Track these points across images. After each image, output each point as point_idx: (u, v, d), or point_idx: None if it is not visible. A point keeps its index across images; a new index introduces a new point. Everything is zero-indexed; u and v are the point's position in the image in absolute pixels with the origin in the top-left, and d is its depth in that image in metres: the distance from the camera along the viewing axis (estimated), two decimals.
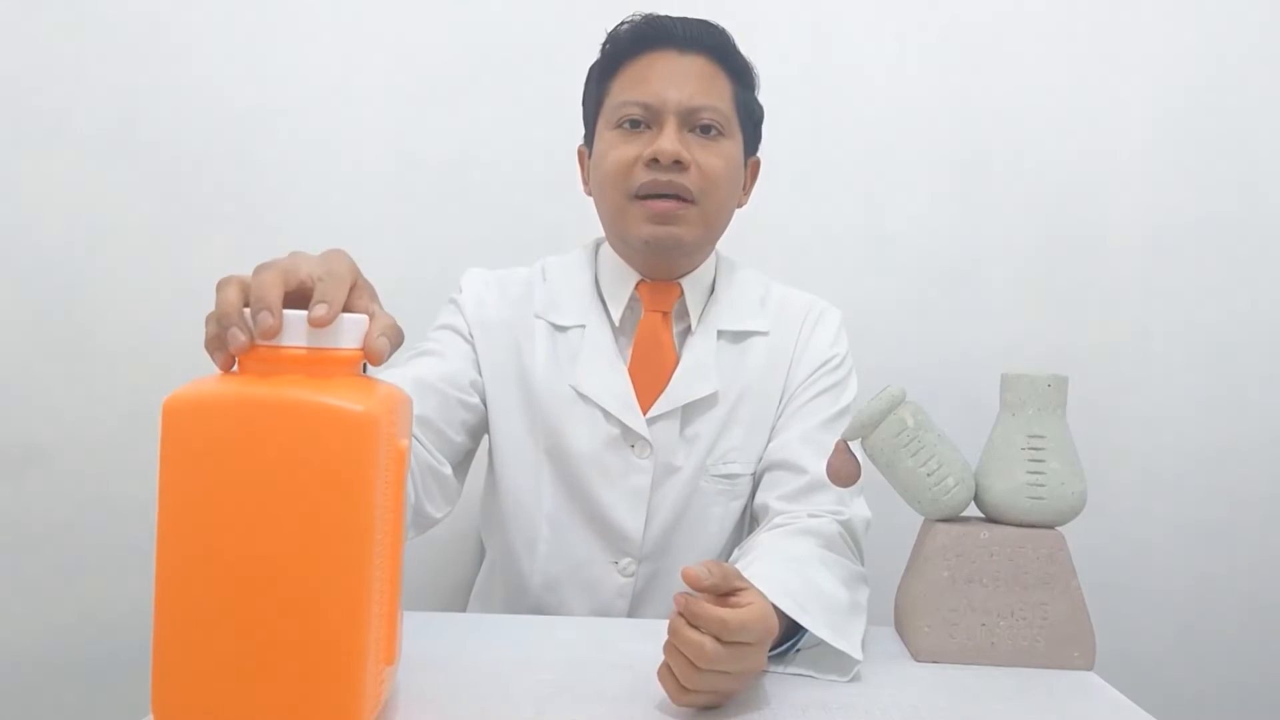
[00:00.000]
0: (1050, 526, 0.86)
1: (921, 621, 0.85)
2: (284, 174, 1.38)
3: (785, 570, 0.81)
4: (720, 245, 1.09)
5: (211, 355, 0.58)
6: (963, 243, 1.46)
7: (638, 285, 1.04)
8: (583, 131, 1.09)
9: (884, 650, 0.87)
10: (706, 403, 1.02)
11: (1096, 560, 1.16)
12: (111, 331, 1.34)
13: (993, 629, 0.84)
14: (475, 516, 1.19)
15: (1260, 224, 1.46)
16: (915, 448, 0.84)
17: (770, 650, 0.74)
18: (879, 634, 0.90)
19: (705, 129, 0.99)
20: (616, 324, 1.04)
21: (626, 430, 1.00)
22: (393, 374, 0.94)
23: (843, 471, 0.86)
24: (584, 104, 1.09)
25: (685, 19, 1.01)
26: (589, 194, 1.07)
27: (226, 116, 1.36)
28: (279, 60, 1.38)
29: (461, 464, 1.02)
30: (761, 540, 0.92)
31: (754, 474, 1.05)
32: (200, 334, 0.58)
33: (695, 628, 0.65)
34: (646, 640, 0.77)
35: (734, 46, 1.03)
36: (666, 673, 0.68)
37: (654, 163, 0.97)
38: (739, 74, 1.04)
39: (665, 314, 1.04)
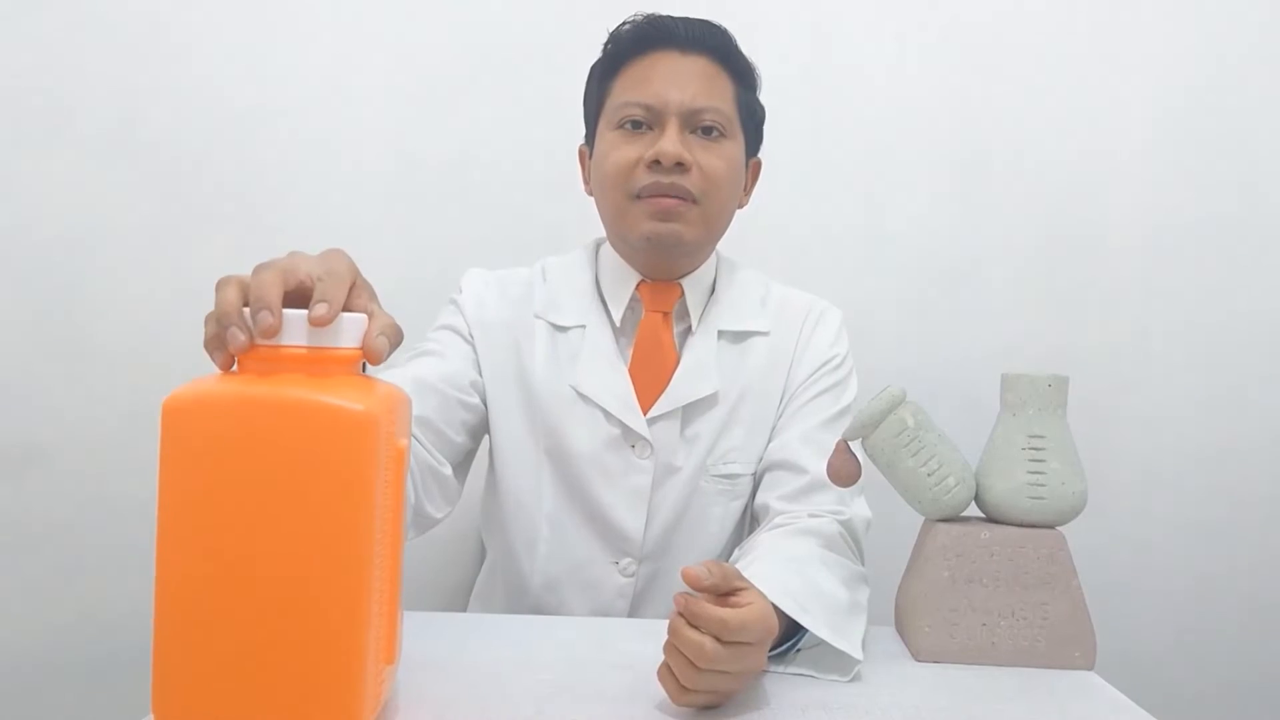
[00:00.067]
0: (1050, 526, 0.86)
1: (922, 621, 0.85)
2: (284, 174, 1.38)
3: (785, 570, 0.81)
4: (721, 245, 1.09)
5: (211, 355, 0.58)
6: (963, 243, 1.46)
7: (638, 285, 1.04)
8: (583, 131, 1.09)
9: (884, 650, 0.87)
10: (707, 403, 1.02)
11: (1097, 560, 1.16)
12: (111, 331, 1.34)
13: (993, 629, 0.84)
14: (476, 517, 1.19)
15: (1260, 224, 1.46)
16: (916, 448, 0.84)
17: (771, 650, 0.74)
18: (879, 634, 0.90)
19: (707, 130, 0.99)
20: (617, 324, 1.04)
21: (627, 430, 1.00)
22: (392, 374, 0.94)
23: (843, 471, 0.85)
24: (585, 104, 1.08)
25: (687, 19, 1.01)
26: (590, 194, 1.07)
27: (226, 116, 1.36)
28: (279, 60, 1.38)
29: (462, 464, 1.02)
30: (762, 540, 0.92)
31: (754, 474, 1.05)
32: (200, 333, 0.58)
33: (695, 628, 0.65)
34: (647, 640, 0.76)
35: (736, 47, 1.03)
36: (666, 673, 0.68)
37: (655, 164, 0.97)
38: (741, 75, 1.03)
39: (666, 314, 1.04)
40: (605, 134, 1.02)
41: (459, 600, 1.27)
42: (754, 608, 0.68)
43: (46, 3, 1.31)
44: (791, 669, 0.78)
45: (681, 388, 1.01)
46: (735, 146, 1.02)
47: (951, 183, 1.46)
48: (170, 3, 1.35)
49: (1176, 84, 1.45)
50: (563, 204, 1.32)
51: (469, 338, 1.04)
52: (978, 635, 0.84)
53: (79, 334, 1.33)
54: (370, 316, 0.60)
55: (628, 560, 1.02)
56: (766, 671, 0.77)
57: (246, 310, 0.57)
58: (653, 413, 1.01)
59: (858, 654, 0.77)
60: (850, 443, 0.86)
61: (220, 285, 0.58)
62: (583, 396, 1.01)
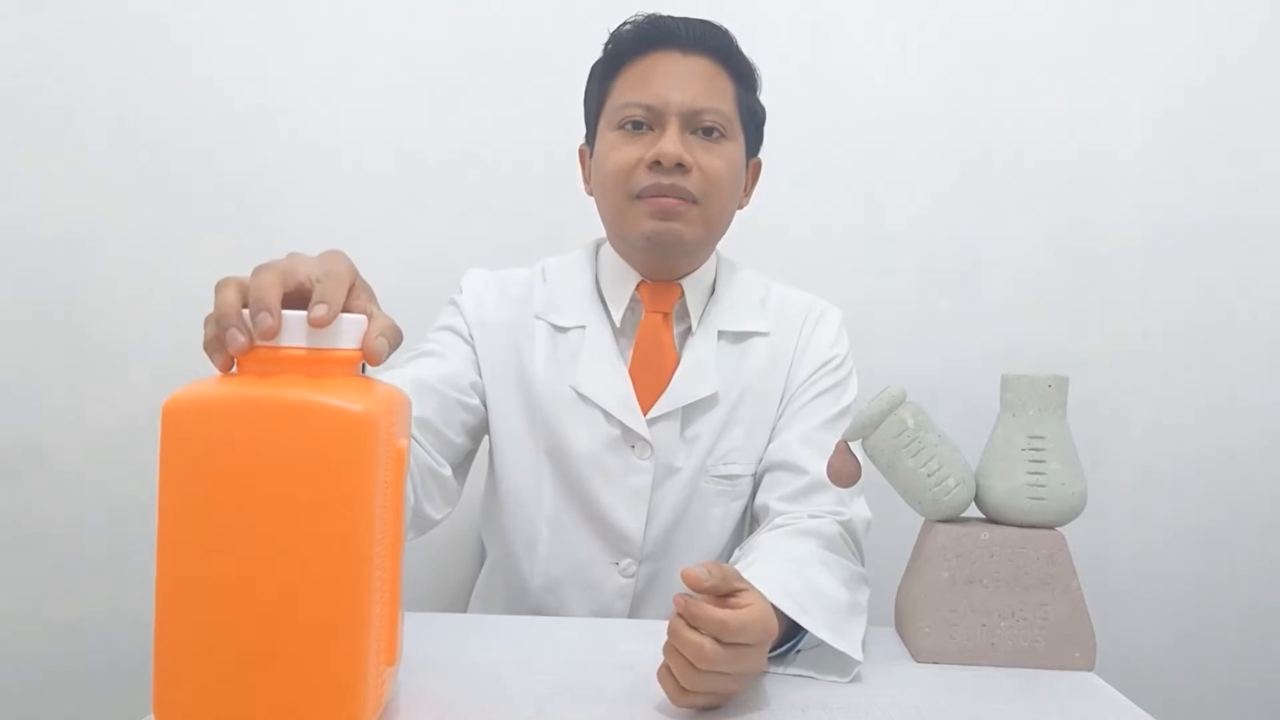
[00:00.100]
0: (1050, 527, 0.86)
1: (922, 622, 0.85)
2: (284, 174, 1.38)
3: (785, 571, 0.81)
4: (721, 246, 1.09)
5: (210, 356, 0.58)
6: (963, 243, 1.46)
7: (638, 286, 1.04)
8: (583, 131, 1.09)
9: (884, 651, 0.87)
10: (707, 403, 1.02)
11: (1097, 562, 1.16)
12: (111, 332, 1.34)
13: (993, 629, 0.84)
14: (476, 517, 1.19)
15: (1260, 224, 1.45)
16: (916, 448, 0.84)
17: (771, 651, 0.74)
18: (879, 634, 0.90)
19: (707, 131, 0.99)
20: (617, 325, 1.04)
21: (627, 431, 1.00)
22: (392, 375, 0.94)
23: (843, 472, 0.85)
24: (585, 103, 1.08)
25: (689, 20, 1.01)
26: (590, 193, 1.07)
27: (226, 116, 1.36)
28: (279, 60, 1.38)
29: (461, 465, 1.02)
30: (762, 541, 0.92)
31: (754, 474, 1.05)
32: (200, 333, 0.58)
33: (695, 629, 0.65)
34: (647, 641, 0.76)
35: (737, 48, 1.03)
36: (666, 674, 0.68)
37: (656, 165, 0.97)
38: (742, 75, 1.03)
39: (666, 315, 1.04)
40: (606, 134, 1.02)
41: (459, 601, 1.27)
42: (754, 609, 0.67)
43: (46, 3, 1.31)
44: (791, 670, 0.78)
45: (681, 388, 1.01)
46: (736, 147, 1.02)
47: (951, 183, 1.46)
48: (170, 3, 1.35)
49: (1176, 84, 1.45)
50: (563, 204, 1.32)
51: (469, 338, 1.04)
52: (978, 636, 0.84)
53: (79, 334, 1.33)
54: (369, 317, 0.60)
55: (628, 561, 1.02)
56: (766, 672, 0.77)
57: (246, 312, 0.57)
58: (653, 413, 1.01)
59: (858, 655, 0.77)
60: (850, 443, 0.86)
61: (219, 287, 0.58)
62: (583, 397, 1.01)
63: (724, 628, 0.65)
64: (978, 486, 0.87)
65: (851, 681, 0.77)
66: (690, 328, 1.05)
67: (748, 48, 1.04)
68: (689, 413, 1.02)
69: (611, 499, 1.01)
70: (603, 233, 1.08)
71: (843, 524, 0.96)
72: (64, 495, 1.33)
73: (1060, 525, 0.86)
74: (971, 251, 1.46)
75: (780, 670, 0.78)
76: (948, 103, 1.45)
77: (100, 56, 1.33)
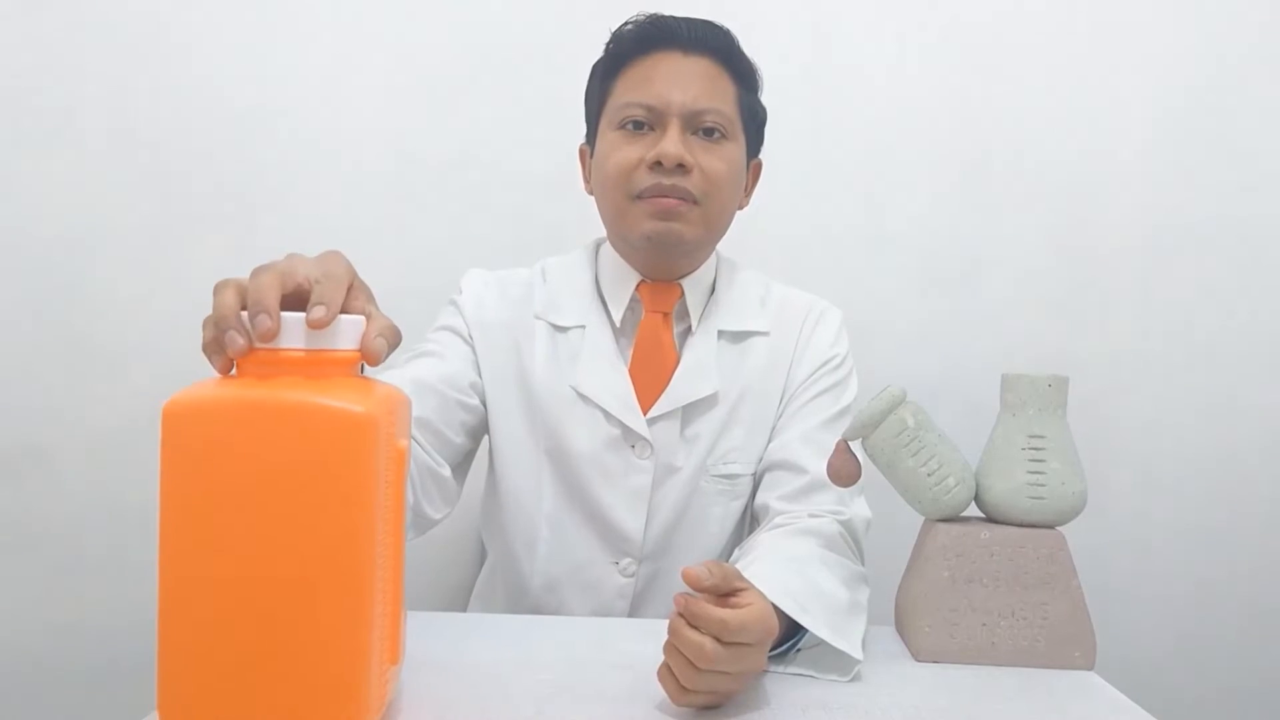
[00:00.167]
0: (1050, 526, 0.86)
1: (922, 621, 0.85)
2: (284, 174, 1.38)
3: (786, 570, 0.81)
4: (721, 246, 1.09)
5: (210, 358, 0.58)
6: (963, 243, 1.46)
7: (638, 286, 1.04)
8: (583, 131, 1.09)
9: (884, 650, 0.87)
10: (707, 403, 1.02)
11: (1097, 561, 1.16)
12: (111, 331, 1.34)
13: (993, 629, 0.84)
14: (476, 517, 1.19)
15: (1260, 224, 1.45)
16: (916, 448, 0.84)
17: (771, 650, 0.74)
18: (879, 634, 0.90)
19: (708, 131, 0.99)
20: (617, 324, 1.04)
21: (627, 430, 1.00)
22: (392, 375, 0.94)
23: (843, 471, 0.85)
24: (586, 103, 1.08)
25: (690, 20, 1.01)
26: (590, 193, 1.07)
27: (226, 116, 1.36)
28: (279, 60, 1.38)
29: (461, 465, 1.02)
30: (762, 540, 0.92)
31: (754, 474, 1.05)
32: (199, 332, 0.58)
33: (695, 628, 0.65)
34: (647, 640, 0.76)
35: (738, 48, 1.03)
36: (666, 673, 0.68)
37: (657, 165, 0.97)
38: (743, 76, 1.03)
39: (666, 314, 1.04)
40: (606, 134, 1.02)
41: (459, 601, 1.27)
42: (754, 608, 0.68)
43: (46, 3, 1.31)
44: (791, 669, 0.78)
45: (681, 388, 1.01)
46: (736, 148, 1.02)
47: (951, 183, 1.46)
48: (170, 3, 1.35)
49: (1176, 84, 1.45)
50: (563, 204, 1.32)
51: (468, 339, 1.04)
52: (978, 635, 0.84)
53: (79, 334, 1.33)
54: (368, 318, 0.60)
55: (628, 560, 1.02)
56: (766, 671, 0.77)
57: (244, 314, 0.57)
58: (653, 413, 1.01)
59: (858, 654, 0.77)
60: (850, 443, 0.86)
61: (218, 289, 0.58)
62: (583, 397, 1.01)
63: (724, 627, 0.65)
64: (978, 486, 0.87)
65: (851, 681, 0.77)
66: (690, 327, 1.05)
67: (748, 47, 1.04)
68: (689, 412, 1.02)
69: (611, 498, 1.01)
70: (603, 232, 1.08)
71: (843, 523, 0.96)
72: (64, 495, 1.33)
73: (1060, 525, 0.86)
74: (971, 251, 1.46)
75: (780, 669, 0.78)
76: (948, 103, 1.45)
77: (100, 56, 1.33)
